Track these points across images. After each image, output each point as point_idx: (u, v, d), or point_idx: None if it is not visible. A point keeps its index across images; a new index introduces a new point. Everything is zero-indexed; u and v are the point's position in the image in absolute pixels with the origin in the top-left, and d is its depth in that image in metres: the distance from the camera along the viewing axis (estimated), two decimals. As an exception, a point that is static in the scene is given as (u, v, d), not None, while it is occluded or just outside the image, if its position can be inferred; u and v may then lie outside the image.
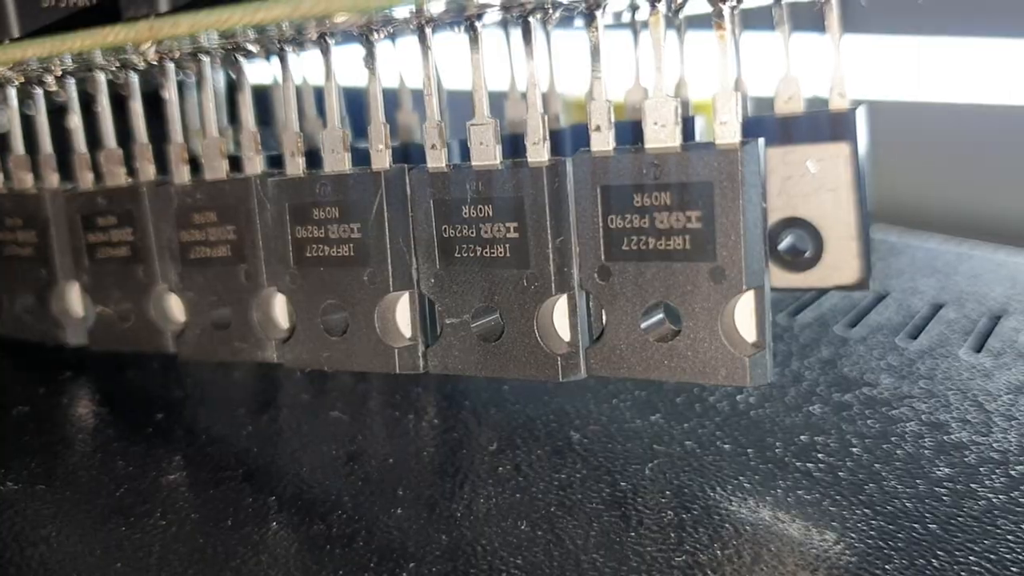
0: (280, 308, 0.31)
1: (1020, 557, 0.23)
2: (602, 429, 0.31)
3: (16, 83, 0.35)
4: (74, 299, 0.36)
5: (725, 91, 0.24)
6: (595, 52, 0.25)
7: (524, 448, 0.30)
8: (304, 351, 0.29)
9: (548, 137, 0.26)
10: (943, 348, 0.36)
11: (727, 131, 0.23)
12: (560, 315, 0.26)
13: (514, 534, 0.25)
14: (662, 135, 0.24)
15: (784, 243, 0.30)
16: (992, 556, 0.23)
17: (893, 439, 0.29)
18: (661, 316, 0.25)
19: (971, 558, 0.23)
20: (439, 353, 0.28)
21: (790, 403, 0.32)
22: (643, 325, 0.25)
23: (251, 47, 0.30)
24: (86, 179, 0.34)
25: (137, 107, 0.33)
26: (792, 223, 0.30)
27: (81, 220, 0.34)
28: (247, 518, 0.26)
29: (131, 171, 0.34)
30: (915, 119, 0.85)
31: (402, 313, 0.28)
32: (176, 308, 0.33)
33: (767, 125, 0.30)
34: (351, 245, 0.28)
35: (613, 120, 0.25)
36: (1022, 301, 0.42)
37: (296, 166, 0.29)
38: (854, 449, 0.29)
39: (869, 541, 0.24)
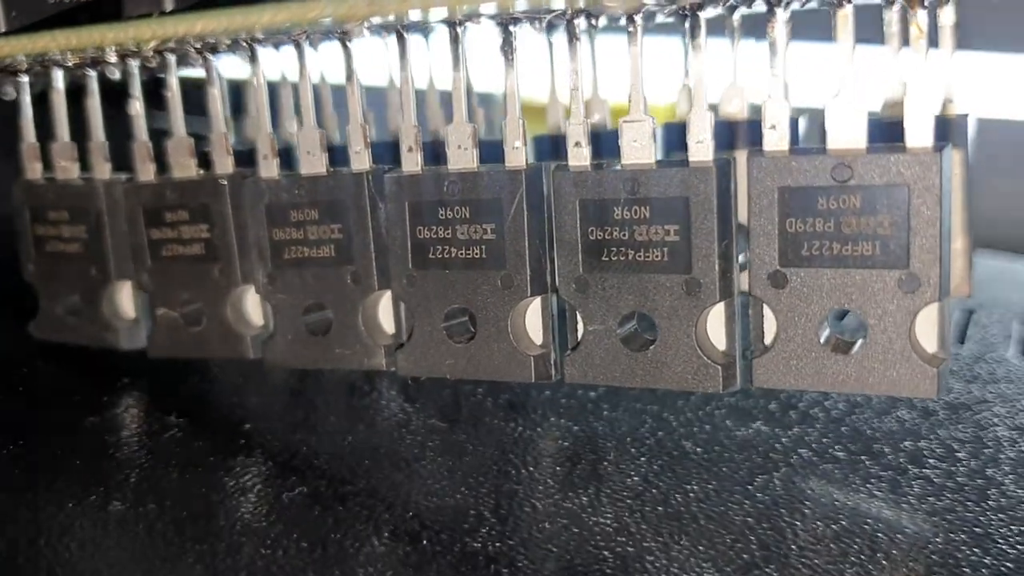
0: (385, 312, 0.30)
1: None
2: (711, 438, 0.30)
3: (69, 64, 0.32)
4: (128, 300, 0.34)
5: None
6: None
7: (643, 457, 0.29)
8: (423, 358, 0.28)
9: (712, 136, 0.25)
10: (992, 353, 0.38)
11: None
12: (717, 323, 0.26)
13: (676, 550, 0.25)
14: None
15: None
16: None
17: (990, 443, 0.30)
18: (831, 330, 0.25)
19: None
20: (578, 361, 0.27)
21: (878, 409, 0.32)
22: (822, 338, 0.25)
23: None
24: (147, 170, 0.32)
25: (215, 92, 0.31)
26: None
27: (144, 214, 0.32)
28: (391, 535, 0.25)
29: (203, 163, 0.32)
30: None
31: (533, 319, 0.27)
32: (257, 311, 0.31)
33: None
34: (483, 247, 0.27)
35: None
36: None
37: (414, 161, 0.28)
38: (960, 454, 0.29)
39: (1021, 547, 0.25)
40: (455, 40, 0.28)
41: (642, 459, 0.29)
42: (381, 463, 0.29)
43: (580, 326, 0.27)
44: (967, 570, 0.24)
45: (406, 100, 0.28)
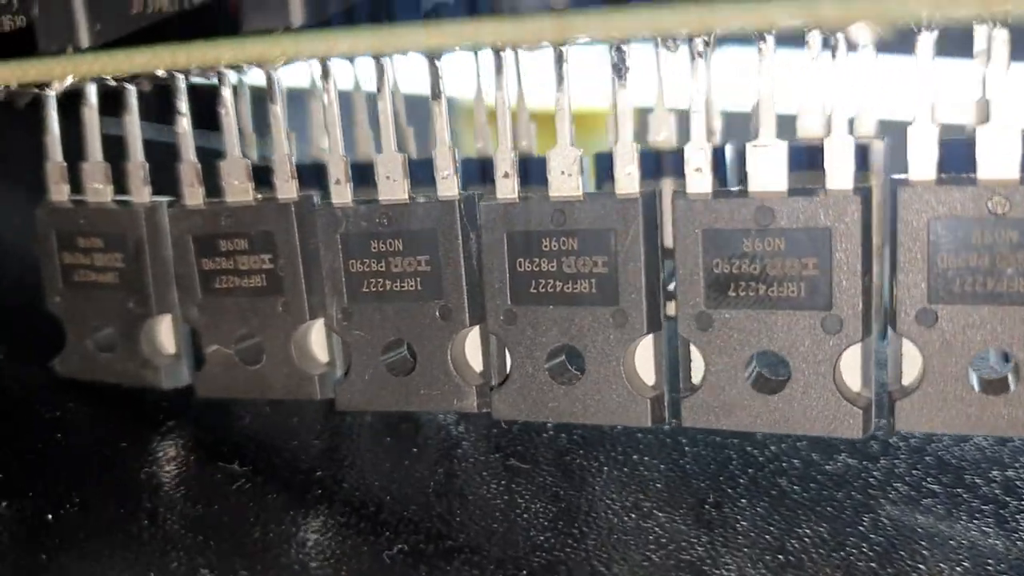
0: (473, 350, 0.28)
1: None
2: (804, 473, 0.30)
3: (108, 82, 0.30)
4: (169, 335, 0.31)
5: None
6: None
7: (743, 499, 0.28)
8: (523, 400, 0.27)
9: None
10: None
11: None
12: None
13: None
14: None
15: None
16: None
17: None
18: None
19: None
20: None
21: (953, 437, 0.32)
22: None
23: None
24: (195, 194, 0.30)
25: (278, 110, 0.28)
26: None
27: (194, 243, 0.29)
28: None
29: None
30: None
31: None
32: (323, 348, 0.29)
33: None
34: (591, 280, 0.26)
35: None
36: None
37: (510, 188, 0.26)
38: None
39: None
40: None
41: (739, 501, 0.28)
42: (472, 512, 0.27)
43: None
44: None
45: (503, 132, 0.26)
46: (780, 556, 0.26)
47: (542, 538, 0.26)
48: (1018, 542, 0.26)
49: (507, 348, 0.27)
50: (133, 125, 0.31)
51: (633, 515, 0.28)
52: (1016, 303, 0.23)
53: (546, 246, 0.25)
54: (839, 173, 0.24)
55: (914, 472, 0.30)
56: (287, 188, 0.29)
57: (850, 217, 0.23)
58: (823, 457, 0.31)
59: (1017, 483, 0.29)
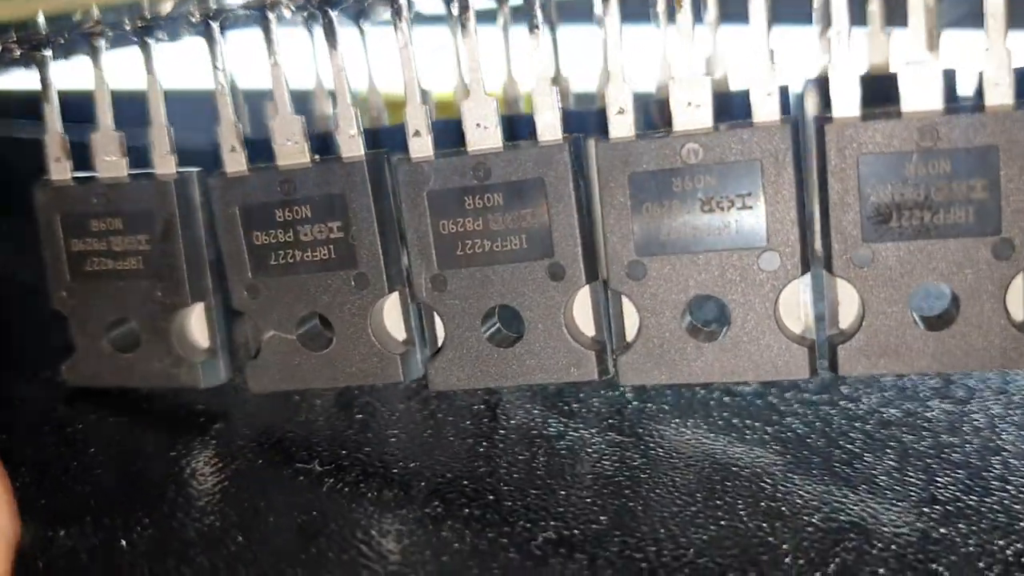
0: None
1: None
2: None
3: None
4: (202, 327, 0.27)
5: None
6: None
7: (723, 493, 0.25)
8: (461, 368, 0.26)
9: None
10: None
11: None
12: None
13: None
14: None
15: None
16: None
17: (927, 438, 0.27)
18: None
19: None
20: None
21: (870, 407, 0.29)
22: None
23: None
24: (236, 160, 0.26)
25: (338, 61, 0.25)
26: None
27: (241, 215, 0.26)
28: None
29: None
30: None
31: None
32: (400, 327, 0.26)
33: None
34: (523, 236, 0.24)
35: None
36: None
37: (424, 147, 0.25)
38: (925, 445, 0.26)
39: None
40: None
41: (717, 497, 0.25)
42: (608, 500, 0.24)
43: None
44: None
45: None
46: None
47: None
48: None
49: (439, 315, 0.26)
50: (154, 82, 0.27)
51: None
52: (951, 236, 0.22)
53: (470, 204, 0.24)
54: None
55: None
56: (353, 145, 0.26)
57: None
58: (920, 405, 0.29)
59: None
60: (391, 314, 0.26)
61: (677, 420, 0.28)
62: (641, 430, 0.27)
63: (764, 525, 0.23)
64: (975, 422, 0.28)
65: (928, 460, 0.25)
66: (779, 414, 0.28)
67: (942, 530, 0.22)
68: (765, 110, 0.23)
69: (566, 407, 0.29)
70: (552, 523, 0.23)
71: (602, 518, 0.23)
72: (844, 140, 0.22)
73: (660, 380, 0.24)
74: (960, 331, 0.22)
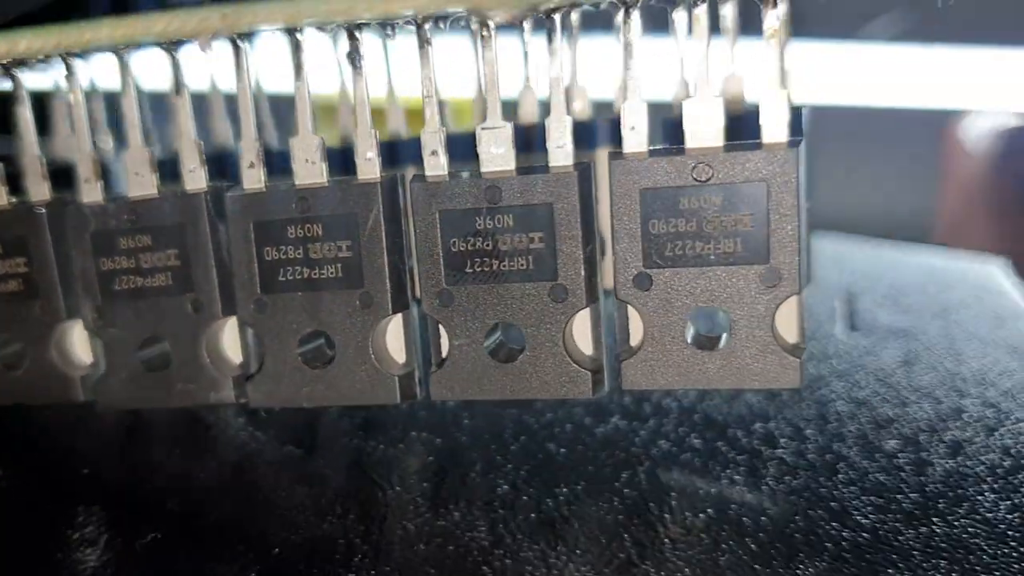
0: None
1: (1004, 516, 0.26)
2: (575, 438, 0.31)
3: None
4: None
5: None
6: (627, 48, 0.25)
7: (511, 464, 0.29)
8: (277, 387, 0.27)
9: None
10: (821, 331, 0.40)
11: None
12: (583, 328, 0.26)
13: (553, 557, 0.24)
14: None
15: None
16: (976, 518, 0.26)
17: (833, 419, 0.31)
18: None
19: (964, 521, 0.26)
20: (445, 378, 0.26)
21: (725, 395, 0.33)
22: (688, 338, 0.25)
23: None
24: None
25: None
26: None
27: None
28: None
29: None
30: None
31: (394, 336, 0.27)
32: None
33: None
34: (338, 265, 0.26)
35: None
36: (859, 282, 0.47)
37: (256, 178, 0.27)
38: (808, 432, 0.31)
39: (871, 516, 0.26)
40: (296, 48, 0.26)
41: (506, 466, 0.29)
42: (235, 498, 0.28)
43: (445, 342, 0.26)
44: (829, 545, 0.25)
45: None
46: (533, 515, 0.26)
47: (301, 518, 0.27)
48: (763, 486, 0.28)
49: (259, 336, 0.27)
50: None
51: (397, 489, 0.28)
52: (722, 264, 0.24)
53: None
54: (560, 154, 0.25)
55: (680, 431, 0.31)
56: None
57: (570, 193, 0.24)
58: (595, 421, 0.32)
59: (775, 436, 0.31)
60: (393, 335, 0.27)
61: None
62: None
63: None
64: (636, 438, 0.30)
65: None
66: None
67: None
68: (775, 131, 0.24)
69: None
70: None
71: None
72: (627, 174, 0.24)
73: (664, 385, 0.25)
74: (729, 351, 0.24)
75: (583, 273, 0.25)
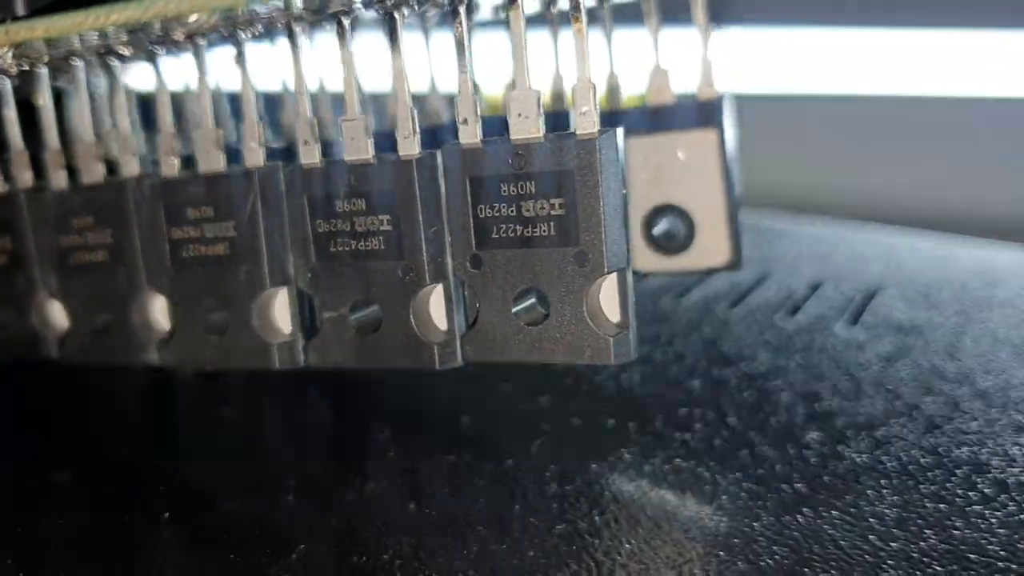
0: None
1: (879, 510, 0.24)
2: (492, 414, 0.31)
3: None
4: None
5: (583, 82, 0.24)
6: (460, 47, 0.25)
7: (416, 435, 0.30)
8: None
9: (418, 131, 0.26)
10: (819, 324, 0.38)
11: (586, 121, 0.24)
12: (436, 305, 0.27)
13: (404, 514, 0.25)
14: (527, 125, 0.25)
15: (659, 228, 0.31)
16: (853, 510, 0.24)
17: (767, 408, 0.30)
18: (532, 301, 0.26)
19: (833, 512, 0.24)
20: (318, 347, 0.28)
21: (671, 380, 0.33)
22: (514, 310, 0.25)
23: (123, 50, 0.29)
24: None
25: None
26: (666, 209, 0.31)
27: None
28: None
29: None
30: (805, 112, 0.88)
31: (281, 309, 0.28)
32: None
33: (638, 116, 0.31)
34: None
35: (479, 113, 0.25)
36: (896, 277, 0.44)
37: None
38: (730, 419, 0.30)
39: (739, 502, 0.25)
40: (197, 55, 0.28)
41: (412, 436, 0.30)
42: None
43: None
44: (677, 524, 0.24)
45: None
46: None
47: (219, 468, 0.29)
48: (646, 466, 0.27)
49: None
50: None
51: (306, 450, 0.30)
52: (540, 246, 0.25)
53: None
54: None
55: (601, 411, 0.31)
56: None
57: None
58: (523, 399, 0.32)
59: (693, 421, 0.30)
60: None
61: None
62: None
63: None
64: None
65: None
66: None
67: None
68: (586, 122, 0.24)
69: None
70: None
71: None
72: (457, 163, 0.25)
73: (497, 358, 0.26)
74: (551, 327, 0.25)
75: (426, 253, 0.26)
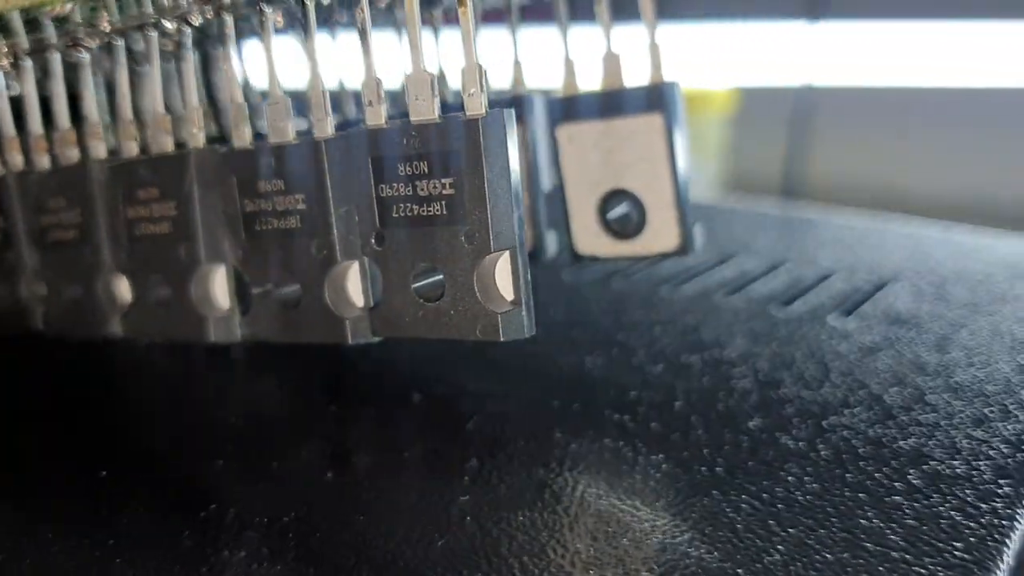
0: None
1: (791, 496, 0.24)
2: (445, 391, 0.31)
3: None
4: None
5: (470, 65, 0.24)
6: (362, 33, 0.26)
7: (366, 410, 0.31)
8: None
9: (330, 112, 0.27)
10: (813, 314, 0.37)
11: (474, 103, 0.24)
12: (352, 281, 0.27)
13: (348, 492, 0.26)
14: (423, 108, 0.25)
15: (612, 213, 0.31)
16: (764, 496, 0.24)
17: (720, 395, 0.30)
18: (433, 279, 0.26)
19: (743, 497, 0.24)
20: (250, 322, 0.29)
21: (635, 365, 0.32)
22: (414, 287, 0.26)
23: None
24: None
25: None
26: (618, 194, 0.31)
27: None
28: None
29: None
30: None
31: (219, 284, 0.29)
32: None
33: (590, 101, 0.31)
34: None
35: (383, 95, 0.26)
36: (916, 268, 0.42)
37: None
38: (677, 403, 0.29)
39: (651, 483, 0.25)
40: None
41: (363, 408, 0.31)
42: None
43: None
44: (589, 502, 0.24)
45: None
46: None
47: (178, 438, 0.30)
48: (572, 442, 0.27)
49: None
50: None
51: (242, 419, 0.31)
52: (434, 224, 0.25)
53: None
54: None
55: (553, 391, 0.31)
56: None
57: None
58: (475, 378, 0.32)
59: (639, 405, 0.29)
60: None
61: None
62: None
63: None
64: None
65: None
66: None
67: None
68: (475, 104, 0.24)
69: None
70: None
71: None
72: (360, 144, 0.26)
73: (400, 334, 0.26)
74: (446, 304, 0.25)
75: (336, 232, 0.26)
